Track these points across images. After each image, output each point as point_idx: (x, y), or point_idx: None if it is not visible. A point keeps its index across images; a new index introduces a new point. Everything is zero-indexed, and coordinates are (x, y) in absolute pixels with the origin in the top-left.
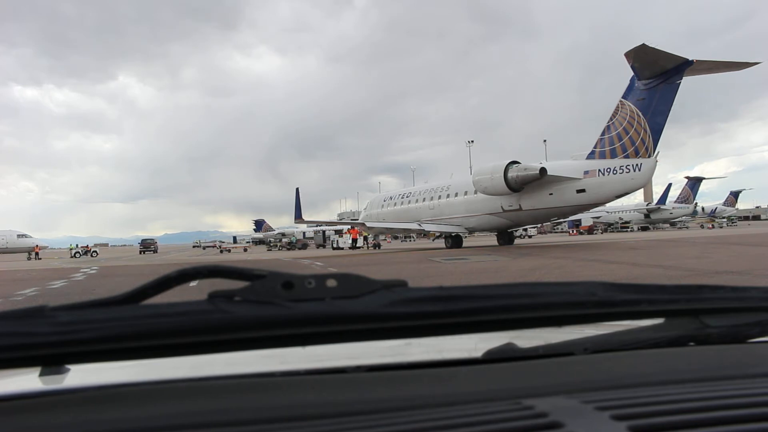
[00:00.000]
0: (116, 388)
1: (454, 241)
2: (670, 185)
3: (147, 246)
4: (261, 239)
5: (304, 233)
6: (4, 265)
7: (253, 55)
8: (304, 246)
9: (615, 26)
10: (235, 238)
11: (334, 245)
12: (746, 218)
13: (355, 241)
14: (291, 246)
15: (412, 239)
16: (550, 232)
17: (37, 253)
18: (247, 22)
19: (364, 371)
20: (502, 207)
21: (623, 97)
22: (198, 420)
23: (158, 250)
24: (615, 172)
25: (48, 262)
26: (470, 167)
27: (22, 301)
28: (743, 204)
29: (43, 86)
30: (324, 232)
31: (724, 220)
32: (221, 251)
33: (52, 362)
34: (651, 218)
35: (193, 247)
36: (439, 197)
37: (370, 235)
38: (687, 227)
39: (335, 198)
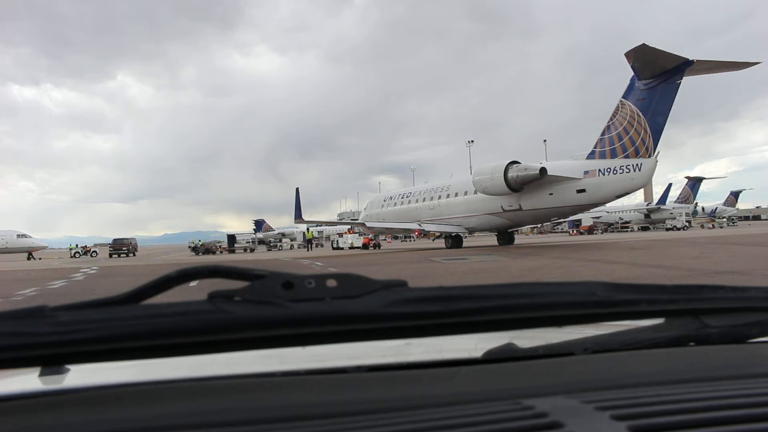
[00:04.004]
0: (116, 388)
1: (454, 241)
2: (670, 185)
3: (118, 248)
4: (261, 239)
5: (304, 234)
6: (4, 265)
7: (253, 55)
8: (208, 251)
9: (615, 26)
10: (234, 237)
11: (334, 245)
12: (746, 218)
13: (365, 245)
14: (195, 251)
15: (412, 239)
16: (550, 233)
17: (31, 254)
18: (246, 21)
19: (364, 371)
20: (502, 207)
21: (623, 97)
22: (198, 420)
23: (137, 252)
24: (615, 172)
25: (48, 262)
26: (470, 167)
27: (22, 301)
28: (743, 204)
29: (42, 86)
30: (234, 236)
31: (724, 219)
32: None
33: (52, 362)
34: (651, 218)
35: (189, 247)
36: (439, 197)
37: (371, 236)
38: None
39: (335, 198)
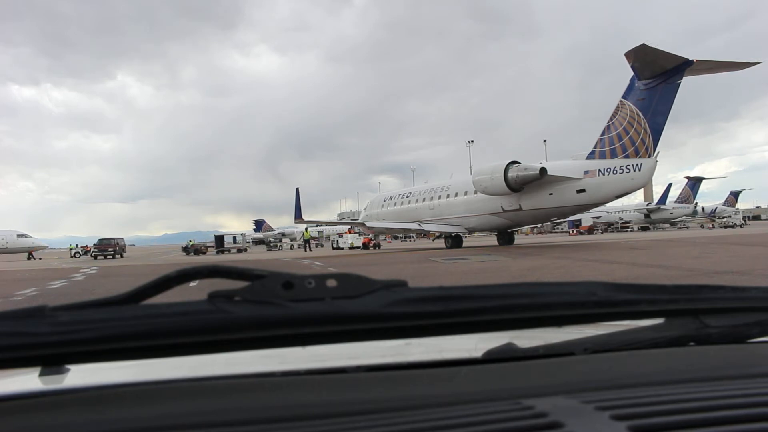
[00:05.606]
0: (116, 388)
1: (454, 241)
2: (670, 185)
3: (103, 249)
4: (261, 239)
5: (303, 234)
6: (4, 265)
7: (253, 55)
8: (197, 251)
9: (615, 26)
10: (235, 237)
11: (334, 245)
12: (746, 218)
13: (365, 245)
14: (186, 251)
15: (412, 239)
16: (550, 233)
17: (31, 254)
18: (246, 21)
19: (364, 371)
20: (502, 207)
21: (623, 97)
22: (198, 420)
23: (126, 253)
24: (615, 172)
25: (48, 262)
26: (470, 167)
27: (22, 301)
28: (743, 204)
29: (42, 86)
30: (222, 236)
31: (725, 219)
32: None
33: (52, 362)
34: (651, 218)
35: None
36: (439, 197)
37: (371, 236)
38: (687, 227)
39: (335, 198)
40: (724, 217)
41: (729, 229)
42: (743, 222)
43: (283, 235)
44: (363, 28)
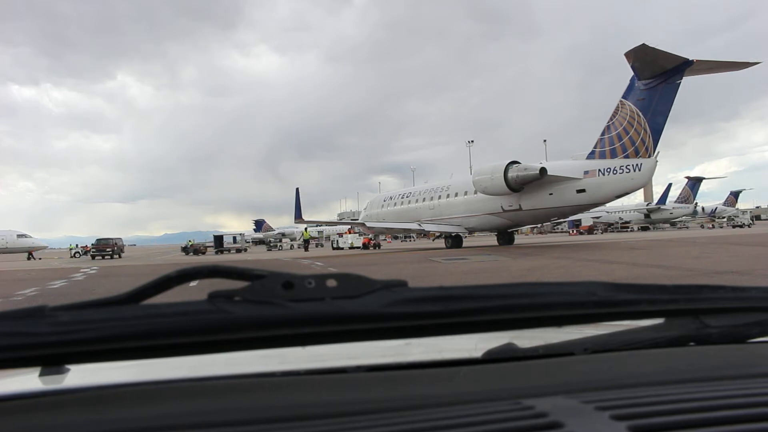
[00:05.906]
0: (116, 388)
1: (454, 241)
2: (670, 185)
3: (102, 248)
4: (261, 239)
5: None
6: (4, 265)
7: (253, 55)
8: (197, 251)
9: (615, 26)
10: (234, 237)
11: (334, 245)
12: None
13: (365, 245)
14: (186, 251)
15: (412, 239)
16: (550, 233)
17: (31, 254)
18: (246, 21)
19: (364, 371)
20: (502, 207)
21: (623, 97)
22: (198, 420)
23: (123, 253)
24: (615, 172)
25: (48, 262)
26: (470, 167)
27: (22, 301)
28: (743, 204)
29: (42, 86)
30: (221, 236)
31: (724, 219)
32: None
33: (52, 362)
34: (651, 218)
35: (181, 248)
36: (439, 197)
37: (371, 236)
38: (687, 227)
39: (335, 198)
40: (724, 217)
41: (737, 229)
42: (751, 222)
43: (283, 235)
44: (363, 28)
